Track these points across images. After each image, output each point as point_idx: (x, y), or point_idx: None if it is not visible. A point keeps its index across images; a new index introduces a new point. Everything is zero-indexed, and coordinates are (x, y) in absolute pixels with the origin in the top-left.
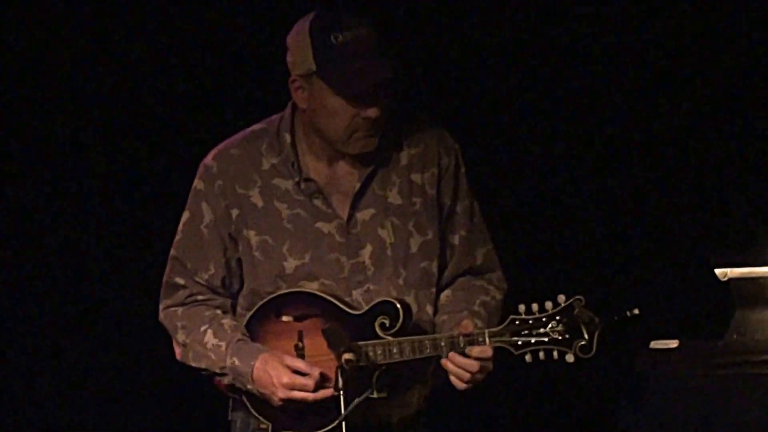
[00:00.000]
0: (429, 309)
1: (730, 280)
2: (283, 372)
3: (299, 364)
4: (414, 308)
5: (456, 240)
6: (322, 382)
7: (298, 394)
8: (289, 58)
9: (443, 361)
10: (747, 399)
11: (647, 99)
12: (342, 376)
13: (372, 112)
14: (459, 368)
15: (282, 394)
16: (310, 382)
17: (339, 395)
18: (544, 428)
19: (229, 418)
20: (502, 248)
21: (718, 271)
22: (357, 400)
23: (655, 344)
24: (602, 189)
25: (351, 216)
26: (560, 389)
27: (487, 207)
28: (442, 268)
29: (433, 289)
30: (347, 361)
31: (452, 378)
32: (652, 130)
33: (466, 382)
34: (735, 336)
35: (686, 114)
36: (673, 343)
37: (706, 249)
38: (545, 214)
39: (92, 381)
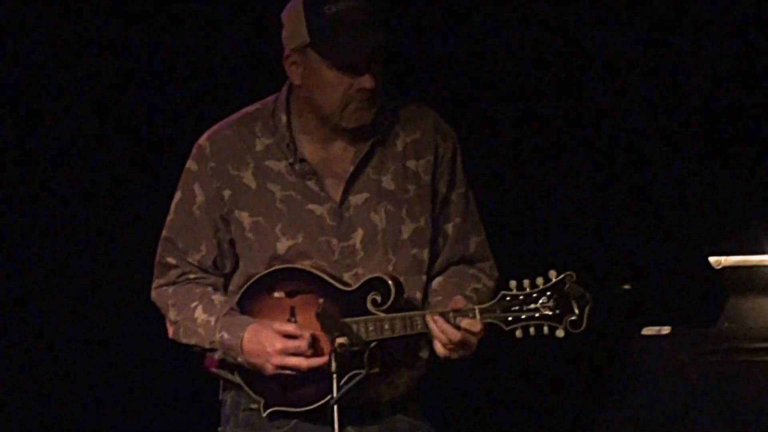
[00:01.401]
0: (418, 296)
1: (724, 268)
2: (276, 338)
3: (290, 327)
4: (405, 291)
5: (450, 228)
6: (314, 348)
7: (292, 360)
8: (283, 34)
9: (431, 325)
10: (738, 386)
11: (641, 81)
12: (335, 359)
13: (367, 83)
14: (440, 332)
15: (276, 360)
16: (303, 344)
17: (332, 378)
18: (535, 414)
19: (220, 398)
20: (495, 228)
21: (712, 259)
22: (349, 384)
23: (647, 330)
24: (596, 175)
25: (344, 199)
26: (551, 376)
27: (481, 189)
28: (433, 256)
29: (423, 277)
30: (340, 345)
31: (437, 347)
32: (646, 117)
33: (446, 347)
34: (727, 323)
35: (681, 99)
36: (665, 330)
37: (700, 237)
38: (539, 199)
39: (83, 361)
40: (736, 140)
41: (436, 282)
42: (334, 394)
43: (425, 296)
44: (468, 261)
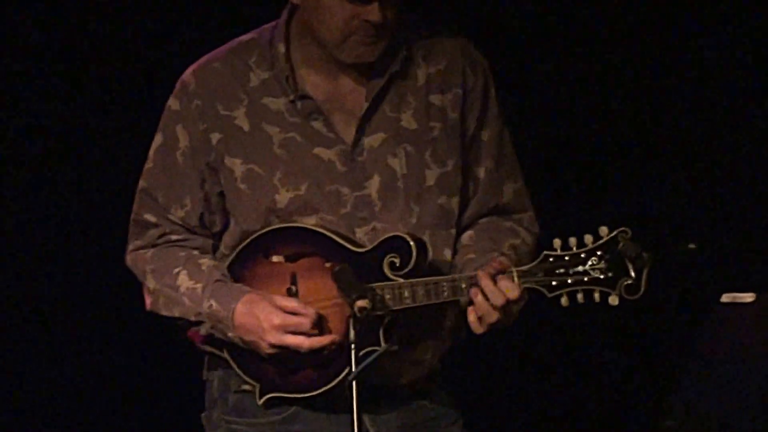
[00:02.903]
0: (447, 253)
1: None
2: (274, 312)
3: (291, 303)
4: (429, 252)
5: (481, 173)
6: (319, 327)
7: (291, 339)
8: None
9: (473, 290)
10: None
11: (718, 30)
12: (354, 326)
13: (373, 15)
14: (484, 298)
15: (273, 338)
16: (305, 321)
17: (350, 349)
18: (590, 399)
19: (204, 377)
20: (536, 176)
21: None
22: (368, 359)
23: (727, 297)
24: (661, 118)
25: (357, 141)
26: (613, 347)
27: (520, 132)
28: (463, 206)
29: (453, 230)
30: (361, 309)
31: (471, 318)
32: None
33: (486, 321)
34: None
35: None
36: (749, 297)
37: None
38: (591, 142)
39: (54, 334)
40: None
41: (467, 236)
42: (353, 368)
43: (455, 253)
44: (502, 211)
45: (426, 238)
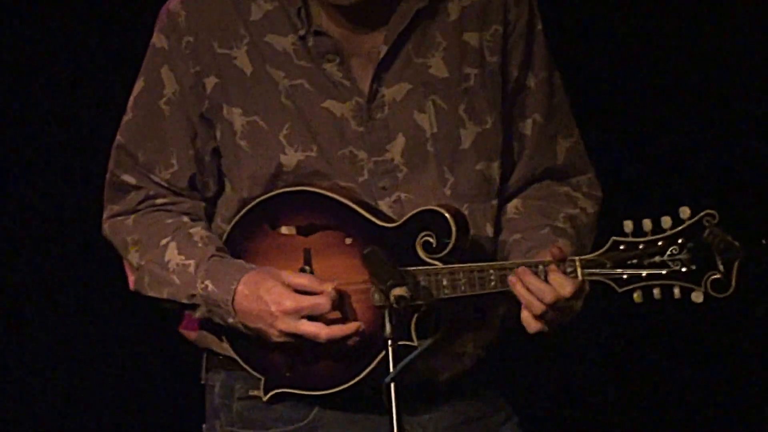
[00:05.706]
0: (488, 229)
1: None
2: (284, 294)
3: (303, 279)
4: (470, 229)
5: (528, 129)
6: (340, 309)
7: (307, 327)
8: None
9: (510, 278)
10: None
11: None
12: (390, 320)
13: None
14: (530, 293)
15: (285, 325)
16: (323, 302)
17: (376, 341)
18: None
19: (203, 380)
20: (595, 140)
21: None
22: (412, 355)
23: None
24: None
25: (374, 93)
26: (690, 351)
27: (575, 80)
28: (506, 171)
29: (494, 202)
30: (399, 299)
31: (524, 314)
32: None
33: (540, 318)
34: None
35: None
36: None
37: None
38: (666, 100)
39: (33, 326)
40: None
41: (512, 208)
42: (391, 369)
43: (498, 230)
44: (556, 175)
45: (463, 212)
